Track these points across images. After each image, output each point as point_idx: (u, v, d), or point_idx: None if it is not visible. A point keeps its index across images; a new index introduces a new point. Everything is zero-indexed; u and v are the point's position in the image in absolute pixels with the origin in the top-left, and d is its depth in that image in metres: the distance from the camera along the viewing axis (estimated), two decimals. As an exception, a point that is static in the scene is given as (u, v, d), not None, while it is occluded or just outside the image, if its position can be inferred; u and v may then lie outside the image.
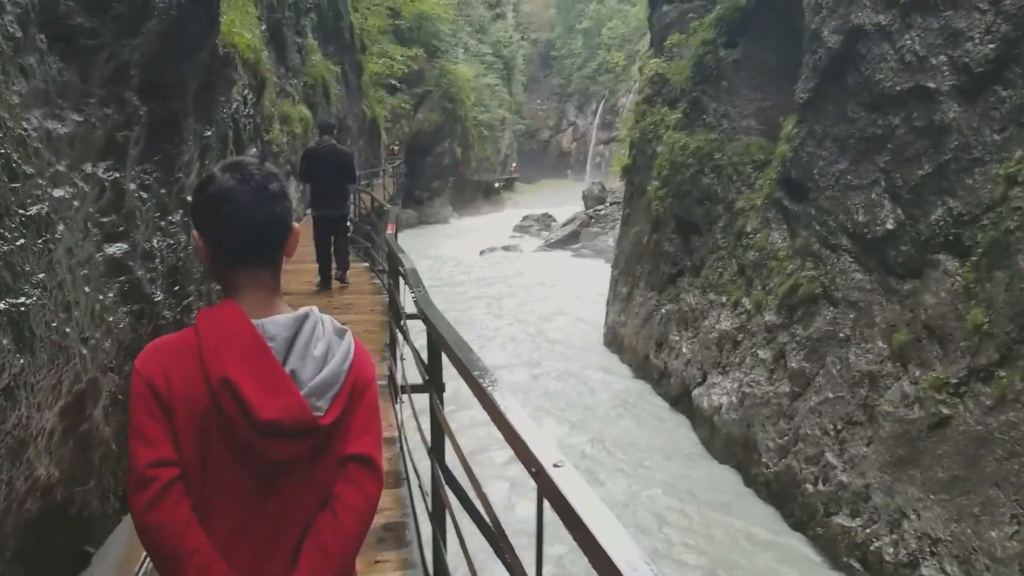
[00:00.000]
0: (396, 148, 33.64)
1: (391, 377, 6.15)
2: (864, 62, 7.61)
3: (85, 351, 3.32)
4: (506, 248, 29.04)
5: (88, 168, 3.55)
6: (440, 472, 3.22)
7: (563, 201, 44.51)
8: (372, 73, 30.49)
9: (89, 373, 3.36)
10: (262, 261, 1.66)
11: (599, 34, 62.97)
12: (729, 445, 8.80)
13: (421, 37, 38.59)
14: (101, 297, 3.66)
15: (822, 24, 8.35)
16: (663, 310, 11.81)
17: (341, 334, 1.69)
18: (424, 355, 3.79)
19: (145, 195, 4.42)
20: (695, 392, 9.99)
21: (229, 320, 1.58)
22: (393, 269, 6.57)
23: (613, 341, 14.17)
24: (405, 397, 5.15)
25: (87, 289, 3.43)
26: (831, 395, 7.43)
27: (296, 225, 1.72)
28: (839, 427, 7.20)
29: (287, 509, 1.62)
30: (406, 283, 4.89)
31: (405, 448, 4.90)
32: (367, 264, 11.99)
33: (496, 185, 50.93)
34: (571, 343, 15.08)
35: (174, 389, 1.53)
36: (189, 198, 4.88)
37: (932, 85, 6.65)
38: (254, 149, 8.68)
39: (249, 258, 1.64)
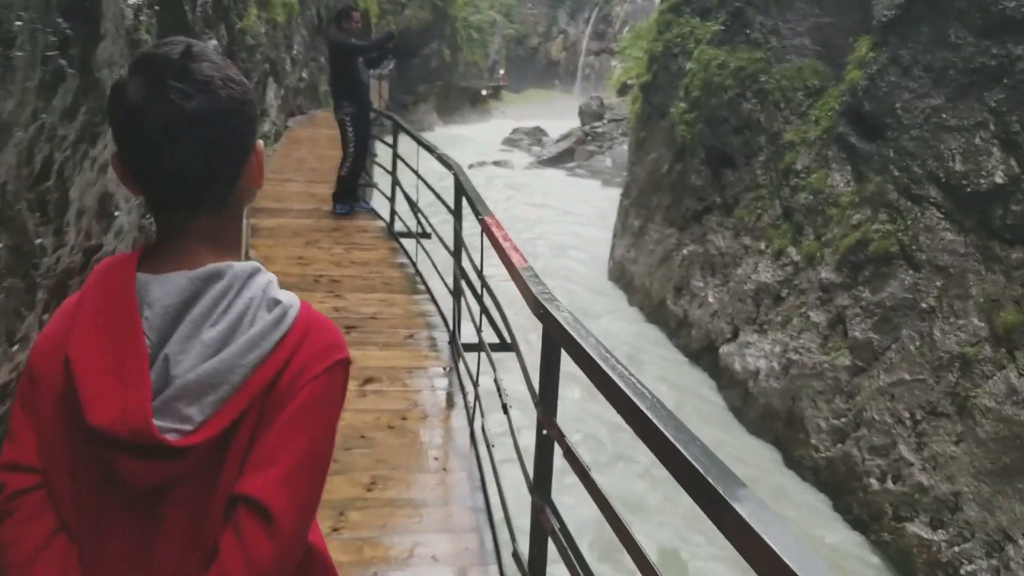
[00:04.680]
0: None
1: None
2: (985, -26, 6.22)
3: None
4: (496, 163, 27.37)
5: None
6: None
7: (552, 114, 42.63)
8: (361, -40, 28.04)
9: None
10: (194, 206, 1.07)
11: (598, -64, 59.79)
12: (767, 418, 7.69)
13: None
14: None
15: (926, -76, 6.88)
16: (685, 251, 10.54)
17: (272, 306, 1.05)
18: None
19: None
20: (723, 349, 8.83)
21: (109, 273, 1.06)
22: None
23: (620, 278, 12.93)
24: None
25: None
26: (907, 376, 6.29)
27: (260, 144, 1.13)
28: (918, 416, 6.09)
29: (174, 557, 1.02)
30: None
31: None
32: (382, 223, 8.47)
33: (483, 93, 48.58)
34: (571, 276, 13.76)
35: (38, 367, 1.07)
36: None
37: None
38: (214, 41, 6.63)
39: (173, 204, 1.07)
